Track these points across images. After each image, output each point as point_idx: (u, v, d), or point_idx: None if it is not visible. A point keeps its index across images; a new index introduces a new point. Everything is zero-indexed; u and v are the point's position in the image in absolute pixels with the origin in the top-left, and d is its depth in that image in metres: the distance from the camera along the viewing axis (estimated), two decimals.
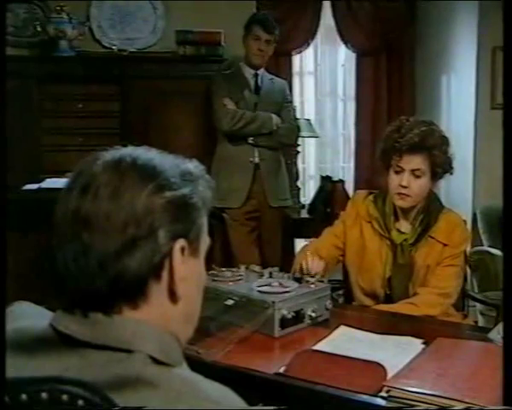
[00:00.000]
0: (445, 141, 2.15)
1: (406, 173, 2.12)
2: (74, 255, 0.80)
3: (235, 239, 3.53)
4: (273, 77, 3.70)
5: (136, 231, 0.79)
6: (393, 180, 2.15)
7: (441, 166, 2.14)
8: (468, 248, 3.54)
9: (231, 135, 3.47)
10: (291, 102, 3.72)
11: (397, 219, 2.23)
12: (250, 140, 3.48)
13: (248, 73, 3.55)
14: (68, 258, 0.80)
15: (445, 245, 2.18)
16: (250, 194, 3.51)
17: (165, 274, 0.83)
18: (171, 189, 0.82)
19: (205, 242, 0.90)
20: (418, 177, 2.12)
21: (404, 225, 2.23)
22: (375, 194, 2.31)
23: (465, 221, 2.61)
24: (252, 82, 3.56)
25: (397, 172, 2.14)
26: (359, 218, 2.27)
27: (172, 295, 0.84)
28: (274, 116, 3.51)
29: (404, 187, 2.12)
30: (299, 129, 3.82)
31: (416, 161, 2.11)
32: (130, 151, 0.85)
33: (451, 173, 2.21)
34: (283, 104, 3.61)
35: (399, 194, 2.14)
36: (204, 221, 0.89)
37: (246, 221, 3.54)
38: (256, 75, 3.56)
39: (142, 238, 0.79)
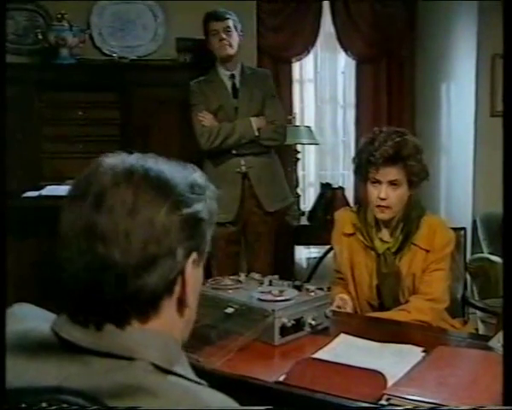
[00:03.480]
0: (419, 150, 2.18)
1: (384, 185, 2.14)
2: (89, 271, 0.79)
3: (216, 248, 3.37)
4: (254, 69, 3.61)
5: (156, 249, 0.80)
6: (372, 193, 2.18)
7: (417, 174, 2.17)
8: (469, 255, 3.55)
9: (213, 152, 3.38)
10: (274, 95, 3.51)
11: (379, 228, 2.25)
12: (234, 151, 3.38)
13: (224, 75, 3.44)
14: (82, 272, 0.80)
15: (427, 251, 2.19)
16: (241, 205, 3.40)
17: (177, 288, 0.84)
18: (186, 206, 0.83)
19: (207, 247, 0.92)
20: (396, 187, 2.15)
21: (386, 235, 2.25)
22: (357, 206, 2.37)
23: (464, 228, 2.62)
24: (229, 85, 3.44)
25: (374, 185, 2.17)
26: (345, 235, 2.30)
27: (181, 307, 0.86)
28: (254, 121, 3.37)
29: (383, 199, 2.14)
30: (283, 126, 3.57)
31: (392, 173, 2.13)
32: (139, 161, 0.85)
33: (428, 180, 2.24)
34: (266, 100, 3.45)
35: (379, 207, 2.17)
36: (210, 232, 0.91)
37: (231, 232, 3.43)
38: (233, 76, 3.44)
39: (162, 257, 0.80)
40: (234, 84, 3.45)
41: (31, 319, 0.89)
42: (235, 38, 3.42)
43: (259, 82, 3.48)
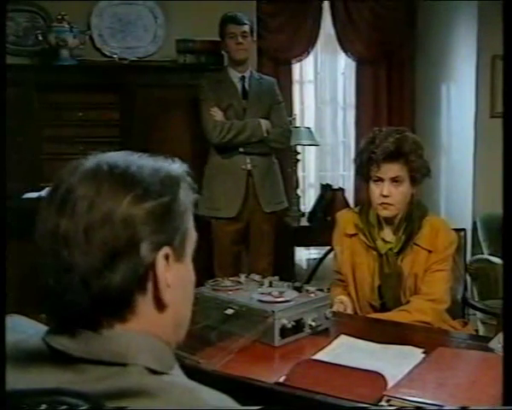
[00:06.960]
0: (419, 146, 2.19)
1: (386, 182, 2.15)
2: (56, 274, 0.78)
3: (220, 246, 3.51)
4: (261, 76, 3.69)
5: (117, 245, 0.77)
6: (374, 191, 2.18)
7: (419, 170, 2.18)
8: (469, 256, 3.55)
9: (221, 146, 3.46)
10: (280, 102, 3.66)
11: (381, 228, 2.25)
12: (241, 149, 3.46)
13: (235, 76, 3.54)
14: (51, 277, 0.79)
15: (429, 252, 2.19)
16: (244, 202, 3.48)
17: (150, 284, 0.82)
18: (150, 198, 0.80)
19: (191, 243, 0.89)
20: (398, 184, 2.15)
21: (389, 235, 2.24)
22: (359, 206, 2.36)
23: (464, 229, 2.62)
24: (239, 86, 3.54)
25: (376, 183, 2.17)
26: (346, 236, 2.30)
27: (159, 304, 0.83)
28: (263, 122, 3.48)
29: (386, 196, 2.15)
30: (289, 131, 3.76)
31: (394, 169, 2.14)
32: (107, 159, 0.83)
33: (430, 177, 2.24)
34: (273, 106, 3.57)
35: (382, 204, 2.17)
36: (189, 224, 0.87)
37: (235, 229, 3.52)
38: (243, 78, 3.54)
39: (123, 253, 0.78)
40: (243, 87, 3.55)
41: (22, 330, 0.88)
42: (250, 43, 3.55)
43: (266, 89, 3.61)
